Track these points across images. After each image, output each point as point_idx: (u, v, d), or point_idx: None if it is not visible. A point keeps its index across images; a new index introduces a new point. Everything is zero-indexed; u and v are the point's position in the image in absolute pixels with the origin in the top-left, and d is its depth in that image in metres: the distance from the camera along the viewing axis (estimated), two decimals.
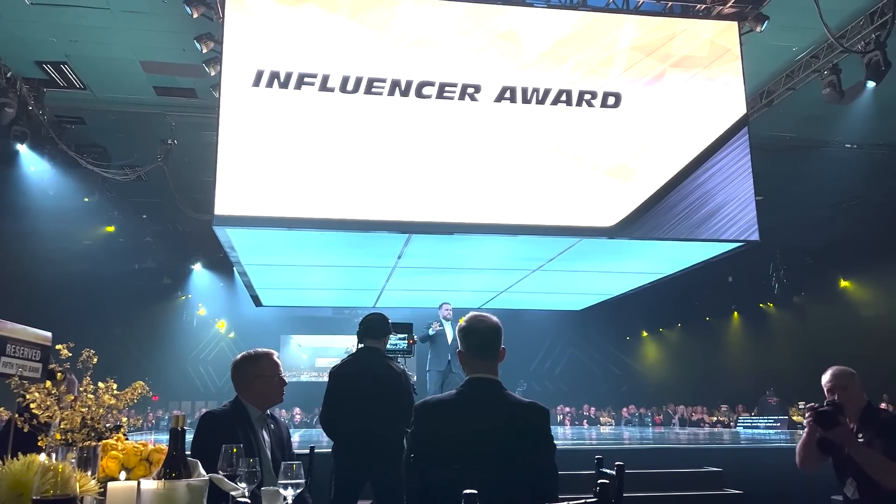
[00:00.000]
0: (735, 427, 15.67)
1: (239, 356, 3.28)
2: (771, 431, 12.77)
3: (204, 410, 3.37)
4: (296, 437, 10.34)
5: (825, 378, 3.64)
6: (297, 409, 17.39)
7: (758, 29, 7.88)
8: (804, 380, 4.22)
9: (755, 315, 19.77)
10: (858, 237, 14.84)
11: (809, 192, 12.78)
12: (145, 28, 8.09)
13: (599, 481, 2.09)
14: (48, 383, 1.89)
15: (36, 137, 9.56)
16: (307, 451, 3.81)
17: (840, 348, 13.63)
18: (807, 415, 3.56)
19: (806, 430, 3.66)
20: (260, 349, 3.29)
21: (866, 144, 11.31)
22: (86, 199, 12.22)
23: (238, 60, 7.07)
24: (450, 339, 8.84)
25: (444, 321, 9.08)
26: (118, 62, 8.79)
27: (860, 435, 3.47)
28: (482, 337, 2.63)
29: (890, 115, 9.95)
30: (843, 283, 17.31)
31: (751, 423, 14.89)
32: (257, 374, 3.17)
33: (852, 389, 3.53)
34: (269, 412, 3.22)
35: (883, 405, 12.79)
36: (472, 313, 2.72)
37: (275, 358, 3.25)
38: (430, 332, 8.88)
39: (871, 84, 8.03)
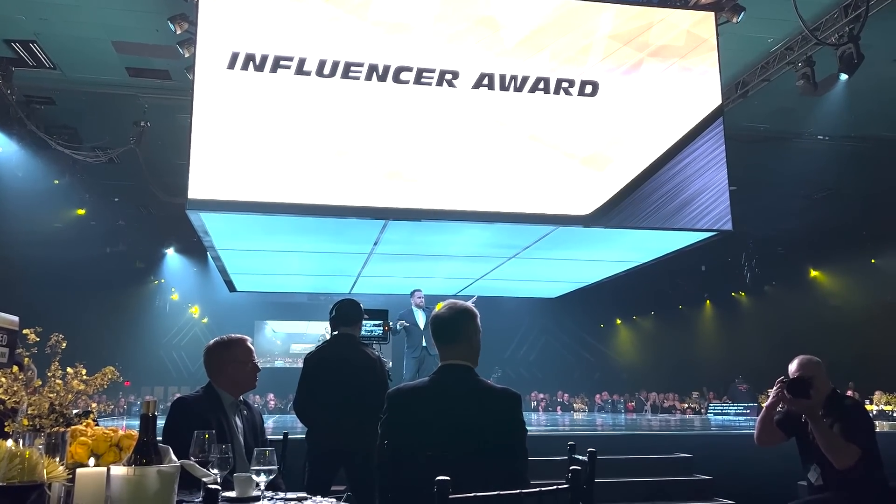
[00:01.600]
0: (706, 414, 15.92)
1: (212, 342, 3.25)
2: (741, 418, 12.99)
3: (177, 395, 3.35)
4: (270, 422, 10.31)
5: (792, 366, 3.71)
6: (272, 395, 17.35)
7: (734, 20, 7.92)
8: (774, 367, 4.30)
9: (727, 304, 20.06)
10: (828, 228, 15.08)
11: (782, 183, 12.94)
12: (117, 7, 7.92)
13: (571, 467, 2.11)
14: (15, 368, 1.86)
15: (4, 117, 9.35)
16: (281, 436, 3.81)
17: (809, 337, 13.88)
18: (776, 386, 3.62)
19: (767, 402, 3.74)
20: (233, 335, 3.27)
21: (838, 136, 11.47)
22: (56, 182, 11.99)
23: (213, 42, 6.96)
24: (422, 325, 8.92)
25: (415, 309, 9.14)
26: (89, 42, 8.61)
27: (825, 420, 3.54)
28: (444, 323, 2.66)
29: (861, 108, 10.09)
30: (813, 273, 17.62)
31: (721, 409, 15.14)
32: (230, 360, 3.15)
33: (818, 378, 3.60)
34: (242, 398, 3.21)
35: (849, 392, 13.06)
36: (444, 302, 2.75)
37: (248, 344, 3.23)
38: (398, 327, 8.94)
39: (843, 76, 8.12)
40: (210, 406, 3.02)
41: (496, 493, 1.90)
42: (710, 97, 7.86)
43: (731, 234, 7.78)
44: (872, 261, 15.87)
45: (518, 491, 1.93)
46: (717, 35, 7.99)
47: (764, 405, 3.85)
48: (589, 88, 7.60)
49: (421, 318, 9.03)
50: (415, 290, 9.34)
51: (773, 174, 12.36)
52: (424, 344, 8.83)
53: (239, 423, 3.09)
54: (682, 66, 7.85)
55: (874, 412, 12.25)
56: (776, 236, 16.59)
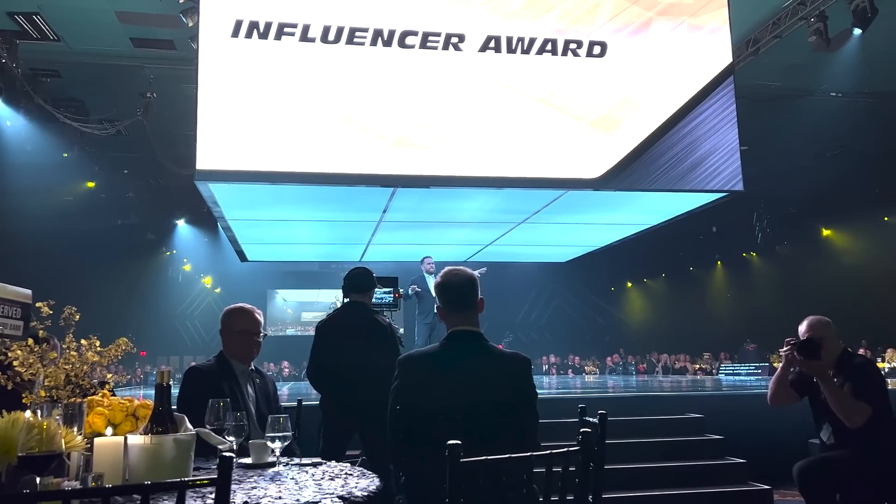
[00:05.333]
0: (717, 374, 15.97)
1: (224, 310, 3.29)
2: (752, 378, 13.03)
3: (192, 364, 3.39)
4: (284, 390, 10.44)
5: (802, 327, 3.71)
6: (286, 363, 17.51)
7: None
8: (786, 327, 4.30)
9: (738, 264, 19.98)
10: (840, 186, 14.93)
11: (793, 142, 12.79)
12: None
13: (582, 430, 2.12)
14: (30, 341, 1.88)
15: (10, 91, 9.34)
16: (295, 403, 3.85)
17: (821, 296, 13.86)
18: (785, 347, 3.63)
19: (781, 364, 3.75)
20: (243, 304, 3.28)
21: (851, 93, 11.29)
22: (65, 155, 12.00)
23: (216, 10, 6.88)
24: (434, 292, 8.94)
25: (426, 275, 9.17)
26: (92, 12, 8.54)
27: (835, 379, 3.55)
28: (457, 290, 2.66)
29: (875, 63, 9.91)
30: (825, 232, 17.50)
31: (732, 370, 15.18)
32: (231, 329, 3.19)
33: (828, 338, 3.60)
34: (254, 366, 3.24)
35: (861, 350, 13.06)
36: (446, 269, 2.75)
37: (255, 315, 3.22)
38: (410, 292, 8.97)
39: (857, 31, 7.98)
40: (223, 374, 3.06)
41: (507, 456, 1.92)
42: (721, 56, 7.72)
43: (742, 194, 7.71)
44: (885, 218, 15.71)
45: (529, 454, 1.95)
46: None
47: (777, 365, 3.86)
48: (597, 49, 7.49)
49: (432, 285, 9.06)
50: (425, 257, 9.37)
51: (785, 133, 12.22)
52: (436, 311, 8.86)
53: (251, 391, 3.12)
54: (692, 24, 7.71)
55: (886, 370, 12.25)
56: (788, 196, 16.44)
